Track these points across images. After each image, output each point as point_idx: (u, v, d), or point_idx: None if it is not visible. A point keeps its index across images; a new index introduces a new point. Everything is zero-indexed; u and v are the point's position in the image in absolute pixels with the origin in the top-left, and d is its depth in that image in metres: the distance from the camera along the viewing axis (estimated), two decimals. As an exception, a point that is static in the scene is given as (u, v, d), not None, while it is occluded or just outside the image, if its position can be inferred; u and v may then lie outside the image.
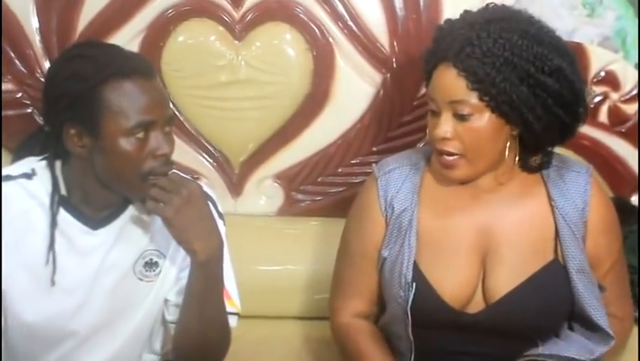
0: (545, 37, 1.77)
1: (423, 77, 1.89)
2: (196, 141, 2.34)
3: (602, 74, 2.31)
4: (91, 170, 1.66)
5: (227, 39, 2.28)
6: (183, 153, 2.25)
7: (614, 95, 2.33)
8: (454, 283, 1.81)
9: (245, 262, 1.92)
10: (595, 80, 2.31)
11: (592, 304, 1.82)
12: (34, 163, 1.72)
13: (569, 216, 1.84)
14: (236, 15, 2.28)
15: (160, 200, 1.61)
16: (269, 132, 2.32)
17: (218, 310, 1.70)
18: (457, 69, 1.74)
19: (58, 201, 1.68)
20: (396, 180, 1.88)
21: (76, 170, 1.69)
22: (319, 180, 2.37)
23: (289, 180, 2.37)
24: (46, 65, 2.27)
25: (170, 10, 2.27)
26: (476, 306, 1.82)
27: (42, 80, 2.23)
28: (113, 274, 1.72)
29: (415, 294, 1.79)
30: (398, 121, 2.33)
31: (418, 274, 1.81)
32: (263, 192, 2.38)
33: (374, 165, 1.94)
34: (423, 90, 2.28)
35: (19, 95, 2.30)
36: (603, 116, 2.34)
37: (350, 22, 2.29)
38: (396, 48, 2.29)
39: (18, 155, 1.78)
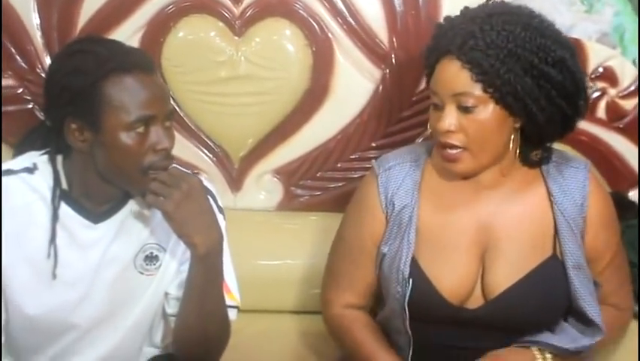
0: (547, 30, 1.78)
1: (423, 72, 1.89)
2: (196, 136, 2.34)
3: (600, 70, 2.31)
4: (92, 164, 1.66)
5: (227, 35, 2.29)
6: (183, 148, 2.25)
7: (612, 91, 2.33)
8: (453, 278, 1.82)
9: (244, 256, 1.93)
10: (593, 75, 2.31)
11: (587, 300, 1.82)
12: (36, 158, 1.72)
13: (568, 211, 1.84)
14: (236, 11, 2.28)
15: (160, 194, 1.62)
16: (268, 127, 2.33)
17: (218, 303, 1.71)
18: (460, 61, 1.74)
19: (60, 195, 1.69)
20: (396, 176, 1.88)
21: (77, 164, 1.70)
22: (318, 175, 2.37)
23: (288, 175, 2.37)
24: (47, 60, 2.27)
25: (170, 7, 2.27)
26: (475, 302, 1.83)
27: (43, 75, 2.24)
28: (113, 268, 1.72)
29: (413, 290, 1.79)
30: (397, 116, 2.33)
31: (416, 270, 1.82)
32: (262, 187, 2.38)
33: (374, 161, 1.94)
34: (422, 86, 2.29)
35: (20, 90, 2.30)
36: (601, 111, 2.34)
37: (349, 18, 2.29)
38: (396, 44, 2.29)
39: (19, 150, 1.78)
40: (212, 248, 1.66)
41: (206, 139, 2.35)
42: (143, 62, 1.67)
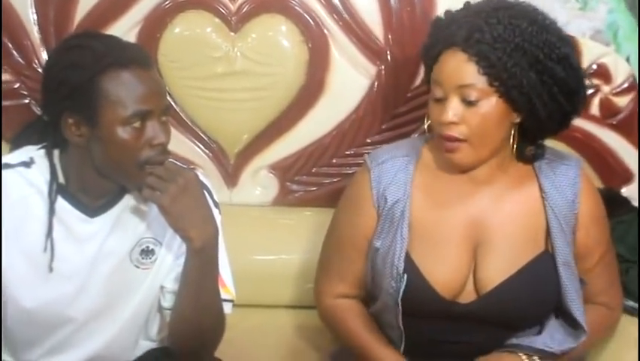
0: (551, 26, 1.79)
1: (419, 69, 1.90)
2: (192, 131, 2.34)
3: (594, 67, 2.32)
4: (88, 159, 1.67)
5: (223, 31, 2.29)
6: (179, 144, 2.26)
7: (606, 88, 2.34)
8: (445, 273, 1.82)
9: (240, 251, 1.93)
10: (587, 73, 2.32)
11: (572, 298, 1.83)
12: (33, 152, 1.73)
13: (559, 208, 1.85)
14: (232, 7, 2.29)
15: (156, 188, 1.63)
16: (264, 123, 2.33)
17: (213, 297, 1.72)
18: (467, 54, 1.74)
19: (57, 189, 1.70)
20: (388, 171, 1.88)
21: (74, 159, 1.70)
22: (314, 170, 2.38)
23: (284, 170, 2.37)
24: (44, 56, 2.28)
25: (167, 2, 2.28)
26: (468, 296, 1.83)
27: (39, 70, 2.25)
28: (110, 261, 1.73)
29: (407, 284, 1.80)
30: (392, 112, 2.34)
31: (410, 265, 1.82)
32: (258, 183, 2.39)
33: (366, 155, 1.94)
34: (417, 82, 2.30)
35: (17, 85, 2.31)
36: (595, 108, 2.34)
37: (345, 15, 2.30)
38: (391, 40, 2.30)
39: (16, 144, 1.79)
40: (208, 242, 1.67)
41: (202, 134, 2.35)
42: (140, 57, 1.67)
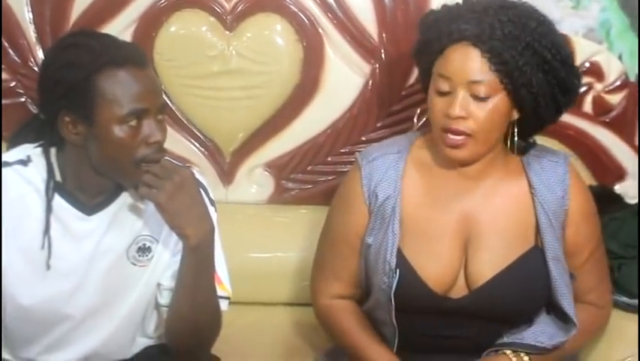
0: (553, 27, 1.81)
1: (418, 59, 1.89)
2: (188, 130, 2.35)
3: (587, 65, 2.32)
4: (85, 157, 1.68)
5: (218, 29, 2.30)
6: (175, 142, 2.25)
7: (599, 86, 2.35)
8: (437, 268, 1.83)
9: (236, 249, 1.93)
10: (579, 71, 2.33)
11: (562, 292, 1.84)
12: (30, 150, 1.74)
13: (548, 204, 1.86)
14: (228, 6, 2.29)
15: (153, 186, 1.63)
16: (259, 122, 2.34)
17: (209, 293, 1.73)
18: (479, 50, 1.74)
19: (54, 187, 1.70)
20: (379, 168, 1.88)
21: (70, 157, 1.71)
22: (309, 168, 2.38)
23: (279, 168, 2.38)
24: (40, 54, 2.28)
25: (162, 1, 2.28)
26: (459, 291, 1.84)
27: (35, 69, 2.25)
28: (107, 259, 1.73)
29: (399, 280, 1.81)
30: (387, 111, 2.35)
31: (402, 261, 1.83)
32: (253, 181, 2.39)
33: (357, 153, 1.95)
34: (411, 80, 2.31)
35: (13, 84, 2.31)
36: (588, 106, 2.35)
37: (339, 13, 2.30)
38: (385, 39, 2.31)
39: (13, 142, 1.79)
40: (204, 239, 1.67)
41: (197, 133, 2.36)
42: (135, 55, 1.68)
